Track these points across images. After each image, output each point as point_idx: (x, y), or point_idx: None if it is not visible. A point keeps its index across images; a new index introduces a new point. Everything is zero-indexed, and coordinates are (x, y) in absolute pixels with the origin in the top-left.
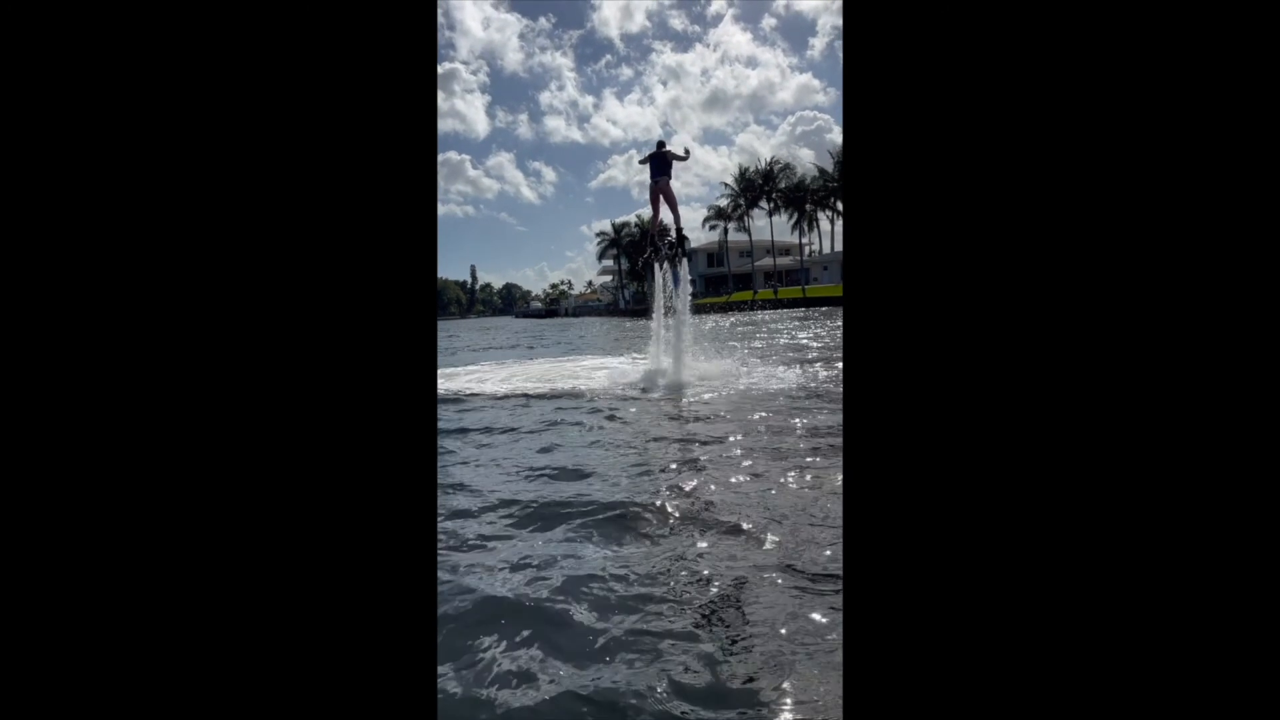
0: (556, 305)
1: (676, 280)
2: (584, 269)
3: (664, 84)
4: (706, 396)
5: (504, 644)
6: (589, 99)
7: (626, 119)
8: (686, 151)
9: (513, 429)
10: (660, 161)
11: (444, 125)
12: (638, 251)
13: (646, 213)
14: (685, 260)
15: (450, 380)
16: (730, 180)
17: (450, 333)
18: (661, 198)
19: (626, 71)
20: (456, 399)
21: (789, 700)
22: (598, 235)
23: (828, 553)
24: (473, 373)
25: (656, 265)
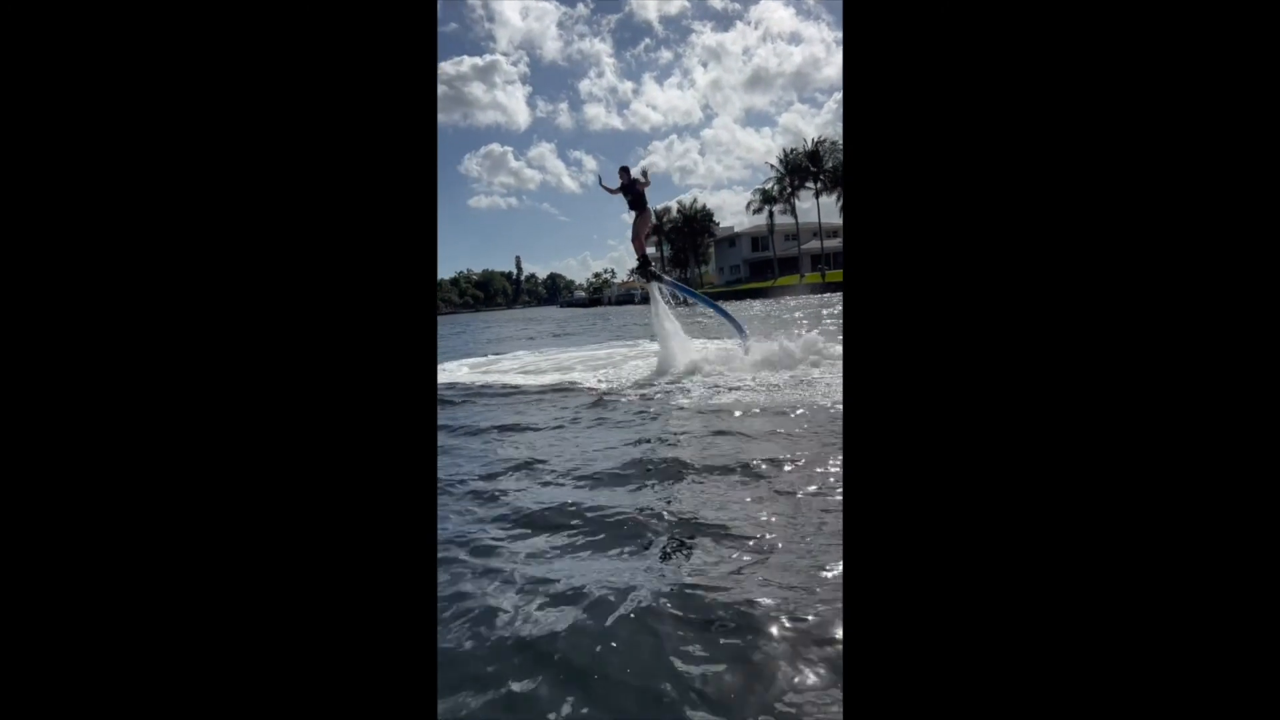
0: (600, 294)
1: (684, 286)
2: (626, 257)
3: (704, 65)
4: None
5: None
6: (628, 85)
7: (666, 103)
8: (645, 175)
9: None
10: (636, 194)
11: (486, 117)
12: (680, 238)
13: (687, 199)
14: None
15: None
16: (775, 162)
17: (490, 323)
18: (647, 227)
19: (666, 55)
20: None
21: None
22: None
23: None
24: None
25: (656, 284)
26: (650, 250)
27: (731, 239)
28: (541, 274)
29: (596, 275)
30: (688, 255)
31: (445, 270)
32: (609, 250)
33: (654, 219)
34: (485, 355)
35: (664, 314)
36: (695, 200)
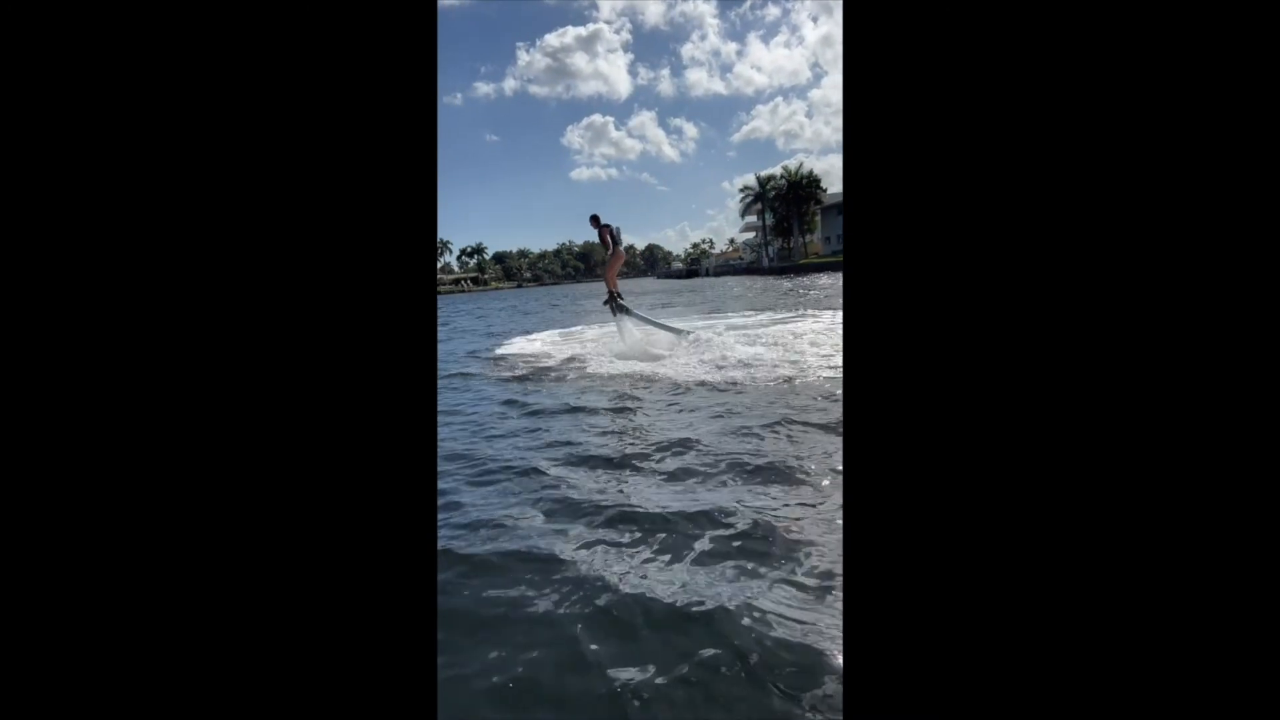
0: (697, 265)
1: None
2: (725, 227)
3: (814, 20)
4: None
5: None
6: (732, 46)
7: (772, 63)
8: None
9: None
10: (612, 237)
11: (587, 88)
12: (784, 205)
13: (793, 164)
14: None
15: None
16: None
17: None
18: (615, 265)
19: (773, 11)
20: None
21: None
22: (741, 190)
23: None
24: None
25: (631, 316)
26: (752, 219)
27: (839, 207)
28: (640, 245)
29: (695, 246)
30: (791, 224)
31: (548, 242)
32: (708, 220)
33: (625, 256)
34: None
35: (631, 328)
36: (801, 165)
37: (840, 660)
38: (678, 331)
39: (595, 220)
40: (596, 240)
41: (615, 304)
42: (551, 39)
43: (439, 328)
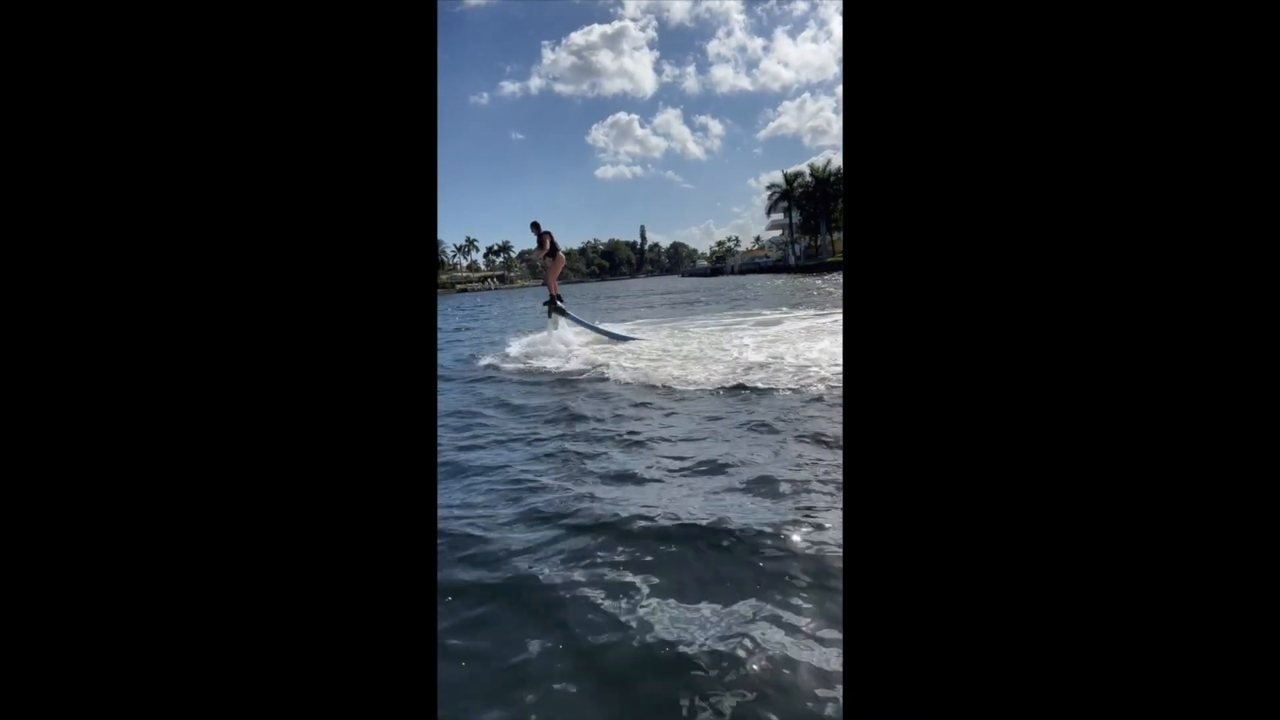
0: (722, 264)
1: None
2: (751, 225)
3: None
4: None
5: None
6: (758, 42)
7: (799, 59)
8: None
9: None
10: (552, 243)
11: (613, 86)
12: (811, 203)
13: (820, 160)
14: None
15: None
16: None
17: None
18: (556, 269)
19: (800, 6)
20: None
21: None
22: (768, 188)
23: None
24: None
25: (567, 317)
26: (778, 217)
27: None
28: (665, 243)
29: (720, 244)
30: (818, 222)
31: (573, 240)
32: (733, 218)
33: (565, 261)
34: None
35: (566, 327)
36: (829, 163)
37: (840, 661)
38: (616, 337)
39: (535, 227)
40: (623, 239)
41: (555, 307)
42: (577, 37)
43: (468, 327)
